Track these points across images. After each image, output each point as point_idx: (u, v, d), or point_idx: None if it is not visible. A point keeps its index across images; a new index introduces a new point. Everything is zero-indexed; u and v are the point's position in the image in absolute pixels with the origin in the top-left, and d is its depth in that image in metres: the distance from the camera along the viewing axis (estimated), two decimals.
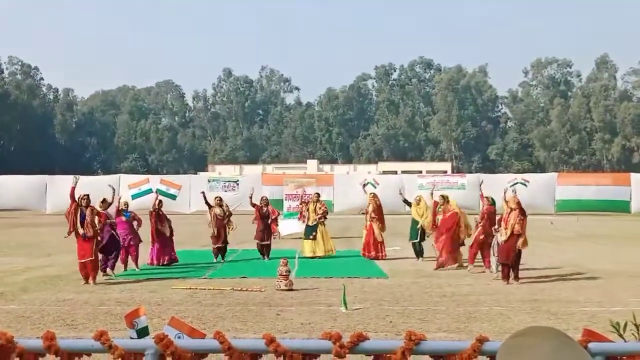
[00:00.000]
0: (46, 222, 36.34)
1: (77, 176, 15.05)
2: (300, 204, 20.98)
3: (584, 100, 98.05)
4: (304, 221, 20.11)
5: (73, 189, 14.43)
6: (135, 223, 16.77)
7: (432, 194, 19.70)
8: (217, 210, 18.60)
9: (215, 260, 18.15)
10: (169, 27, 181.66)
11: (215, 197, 19.27)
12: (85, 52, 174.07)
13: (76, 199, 14.34)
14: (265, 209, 19.46)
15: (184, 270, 16.41)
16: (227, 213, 18.74)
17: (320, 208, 19.57)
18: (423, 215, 18.65)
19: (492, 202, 16.09)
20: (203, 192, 19.99)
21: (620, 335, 3.50)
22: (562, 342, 1.65)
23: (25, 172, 54.64)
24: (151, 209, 17.55)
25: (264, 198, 20.07)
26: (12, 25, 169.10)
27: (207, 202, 19.00)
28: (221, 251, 18.51)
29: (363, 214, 20.73)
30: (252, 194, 20.36)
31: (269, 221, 19.42)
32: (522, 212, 14.29)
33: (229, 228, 18.66)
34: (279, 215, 20.14)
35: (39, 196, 45.81)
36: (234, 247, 20.67)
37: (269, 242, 19.28)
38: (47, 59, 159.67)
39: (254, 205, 19.64)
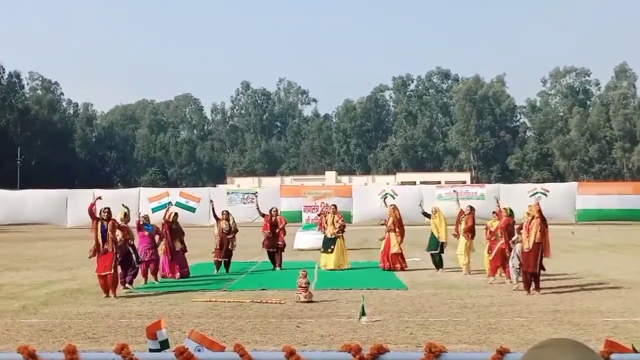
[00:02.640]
0: (67, 236, 36.59)
1: (99, 196, 14.98)
2: (319, 215, 21.05)
3: (603, 109, 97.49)
4: (323, 232, 20.13)
5: (92, 205, 14.39)
6: (157, 237, 16.83)
7: (457, 201, 19.67)
8: (223, 225, 18.71)
9: (216, 273, 18.27)
10: (187, 41, 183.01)
11: (223, 211, 19.38)
12: (104, 66, 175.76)
13: (96, 214, 14.33)
14: (274, 218, 19.64)
15: (204, 283, 16.44)
16: (232, 229, 18.84)
17: (337, 221, 19.53)
18: (439, 228, 18.61)
19: (510, 213, 16.01)
20: (212, 202, 20.10)
21: None
22: (583, 354, 1.65)
23: (46, 187, 55.12)
24: (163, 221, 17.64)
25: (274, 208, 20.35)
26: (33, 41, 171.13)
27: (215, 215, 19.29)
28: (225, 265, 18.64)
29: (382, 224, 20.68)
30: (258, 205, 21.75)
31: (277, 230, 19.52)
32: (543, 220, 14.23)
33: (231, 244, 18.76)
34: (286, 223, 20.20)
35: (59, 210, 46.20)
36: (254, 260, 20.70)
37: (274, 250, 19.40)
38: (67, 74, 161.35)
39: (263, 215, 20.05)
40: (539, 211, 14.29)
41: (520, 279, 14.62)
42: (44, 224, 46.88)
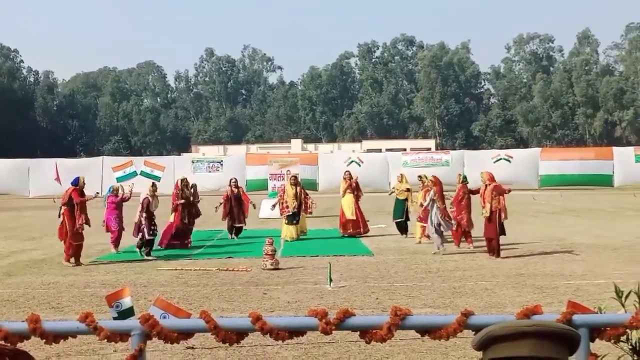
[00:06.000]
0: (29, 206, 36.09)
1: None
2: (280, 198, 19.40)
3: (565, 75, 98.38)
4: (285, 212, 18.68)
5: (91, 198, 15.02)
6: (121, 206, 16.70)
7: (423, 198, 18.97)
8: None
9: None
10: (150, 6, 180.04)
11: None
12: (65, 34, 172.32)
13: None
14: (236, 190, 19.32)
15: (169, 252, 16.38)
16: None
17: (301, 194, 18.76)
18: (406, 192, 18.71)
19: (464, 180, 16.13)
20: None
21: (622, 304, 3.53)
22: None
23: (7, 156, 54.12)
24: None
25: (234, 180, 19.79)
26: None
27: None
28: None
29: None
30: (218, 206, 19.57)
31: (241, 204, 19.14)
32: (496, 188, 14.30)
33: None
34: (249, 202, 19.57)
35: (21, 180, 45.40)
36: (219, 228, 20.63)
37: (240, 225, 19.15)
38: (27, 41, 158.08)
39: (221, 204, 19.16)
40: (491, 179, 14.42)
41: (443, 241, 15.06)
42: (6, 194, 46.14)
